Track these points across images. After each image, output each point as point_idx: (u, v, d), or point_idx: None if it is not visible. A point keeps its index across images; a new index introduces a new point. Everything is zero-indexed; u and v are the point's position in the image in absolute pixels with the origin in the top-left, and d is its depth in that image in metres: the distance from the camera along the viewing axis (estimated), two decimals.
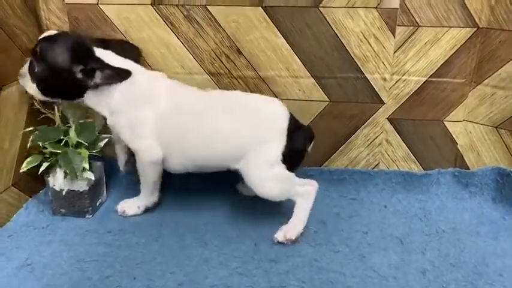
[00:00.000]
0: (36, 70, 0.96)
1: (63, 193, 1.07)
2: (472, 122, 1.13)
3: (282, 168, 0.98)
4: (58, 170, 1.02)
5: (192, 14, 1.09)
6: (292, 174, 1.00)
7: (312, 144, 1.03)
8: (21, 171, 1.02)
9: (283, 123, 0.98)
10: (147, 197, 1.09)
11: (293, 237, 1.00)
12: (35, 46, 0.96)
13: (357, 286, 0.88)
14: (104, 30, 1.12)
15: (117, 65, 0.97)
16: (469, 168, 1.16)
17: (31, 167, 1.02)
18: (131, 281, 0.89)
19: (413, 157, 1.18)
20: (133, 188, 1.18)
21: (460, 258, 0.96)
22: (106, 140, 1.08)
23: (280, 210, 1.07)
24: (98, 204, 1.12)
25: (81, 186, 1.06)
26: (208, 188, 1.19)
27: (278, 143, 0.97)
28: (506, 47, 1.03)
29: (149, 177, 1.06)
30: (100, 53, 0.98)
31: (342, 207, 1.14)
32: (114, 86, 0.98)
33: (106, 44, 1.01)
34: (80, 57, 0.95)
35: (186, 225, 1.08)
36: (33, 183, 1.11)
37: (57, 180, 1.04)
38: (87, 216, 1.09)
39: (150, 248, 0.99)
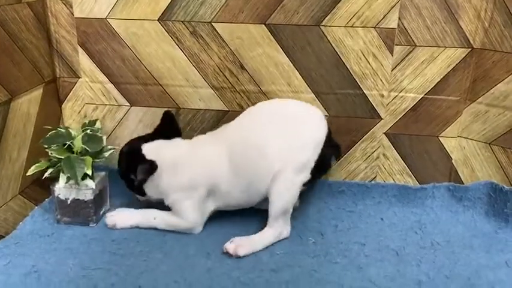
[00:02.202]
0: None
1: (68, 202, 1.09)
2: (466, 138, 1.17)
3: (306, 177, 1.03)
4: (61, 175, 1.04)
5: (198, 30, 1.13)
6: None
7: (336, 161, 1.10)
8: (28, 173, 1.04)
9: (323, 134, 1.05)
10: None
11: (241, 255, 1.02)
12: None
13: None
14: (111, 45, 1.16)
15: (153, 155, 1.05)
16: (463, 183, 1.20)
17: (38, 171, 1.04)
18: None
19: (409, 171, 1.22)
20: (136, 199, 1.22)
21: (454, 271, 0.99)
22: (112, 151, 1.12)
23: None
24: (101, 213, 1.15)
25: (86, 195, 1.08)
26: None
27: (313, 152, 1.03)
28: (499, 67, 1.07)
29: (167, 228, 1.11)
30: (146, 147, 1.08)
31: (340, 220, 1.17)
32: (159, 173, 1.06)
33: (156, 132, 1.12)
34: (131, 164, 1.07)
35: (189, 235, 1.10)
36: (39, 192, 1.14)
37: (60, 186, 1.06)
38: (91, 225, 1.11)
39: (153, 257, 1.01)
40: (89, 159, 1.05)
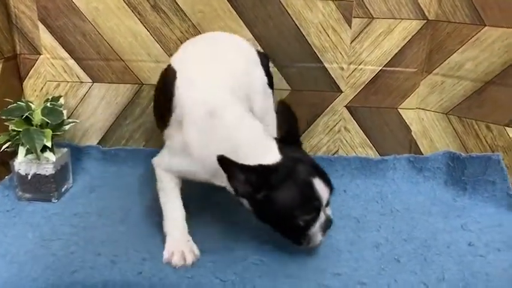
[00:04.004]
0: None
1: (29, 177, 1.08)
2: (424, 109, 1.20)
3: None
4: (20, 148, 1.03)
5: (159, 4, 1.13)
6: None
7: None
8: None
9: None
10: None
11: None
12: None
13: (314, 258, 0.93)
14: (72, 20, 1.15)
15: None
16: (422, 154, 1.23)
17: None
18: (95, 256, 0.91)
19: (370, 143, 1.24)
20: (99, 175, 1.21)
21: (411, 234, 1.01)
22: (72, 124, 1.11)
23: None
24: (63, 190, 1.14)
25: (47, 169, 1.07)
26: None
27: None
28: (453, 38, 1.10)
29: None
30: None
31: None
32: None
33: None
34: None
35: (152, 207, 1.10)
36: None
37: (19, 160, 1.05)
38: (53, 201, 1.10)
39: (116, 229, 1.01)
40: (48, 131, 1.04)
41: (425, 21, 1.12)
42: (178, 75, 0.92)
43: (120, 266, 0.88)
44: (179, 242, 0.92)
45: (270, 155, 0.85)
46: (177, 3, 1.13)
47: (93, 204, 1.11)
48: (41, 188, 1.09)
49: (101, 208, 1.09)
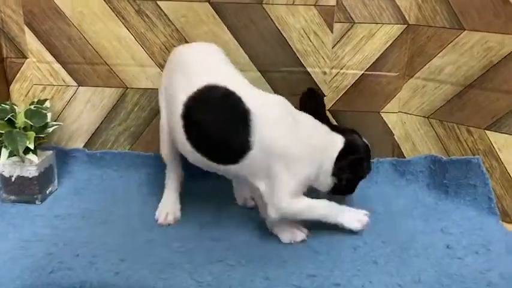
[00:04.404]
0: None
1: (13, 179, 1.09)
2: (406, 113, 1.21)
3: None
4: (3, 150, 1.04)
5: (143, 9, 1.15)
6: None
7: None
8: None
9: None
10: None
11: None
12: None
13: (291, 260, 0.93)
14: (57, 24, 1.17)
15: None
16: (405, 157, 1.23)
17: None
18: (73, 257, 0.91)
19: None
20: (85, 178, 1.22)
21: (391, 236, 1.01)
22: (56, 126, 1.12)
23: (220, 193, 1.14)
24: (48, 192, 1.15)
25: (30, 172, 1.08)
26: (160, 178, 1.24)
27: None
28: (433, 42, 1.11)
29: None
30: None
31: None
32: None
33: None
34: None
35: (135, 210, 1.11)
36: None
37: (3, 162, 1.06)
38: (36, 203, 1.11)
39: (96, 231, 1.02)
40: (31, 133, 1.05)
41: (405, 25, 1.13)
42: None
43: (98, 267, 0.89)
44: None
45: (337, 139, 0.98)
46: (160, 8, 1.14)
47: (76, 206, 1.11)
48: (24, 190, 1.10)
49: (83, 210, 1.10)
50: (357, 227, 1.00)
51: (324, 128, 0.98)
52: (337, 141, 0.97)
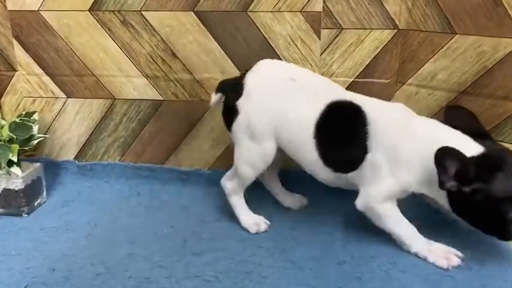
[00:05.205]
0: None
1: None
2: None
3: None
4: None
5: (128, 19, 1.14)
6: None
7: None
8: None
9: None
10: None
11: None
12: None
13: (272, 276, 0.90)
14: (45, 37, 1.17)
15: None
16: None
17: None
18: (50, 271, 0.90)
19: None
20: (75, 190, 1.22)
21: (379, 251, 0.97)
22: (41, 139, 1.12)
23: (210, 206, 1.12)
24: (36, 204, 1.15)
25: (16, 184, 1.08)
26: (149, 189, 1.23)
27: None
28: (425, 47, 1.07)
29: None
30: None
31: (276, 205, 1.16)
32: None
33: None
34: None
35: (121, 223, 1.10)
36: None
37: None
38: (23, 216, 1.11)
39: (78, 244, 1.01)
40: (15, 146, 1.05)
41: (396, 30, 1.09)
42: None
43: (73, 282, 0.88)
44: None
45: (471, 147, 0.86)
46: (145, 18, 1.14)
47: (62, 219, 1.11)
48: (11, 203, 1.10)
49: (69, 222, 1.09)
50: (443, 265, 0.91)
51: (451, 136, 0.89)
52: (471, 149, 0.85)
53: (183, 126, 1.22)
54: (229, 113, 1.02)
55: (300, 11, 1.10)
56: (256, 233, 1.04)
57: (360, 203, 0.98)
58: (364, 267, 0.92)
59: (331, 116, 0.96)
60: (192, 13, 1.12)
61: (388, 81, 1.13)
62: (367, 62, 1.12)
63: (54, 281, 0.88)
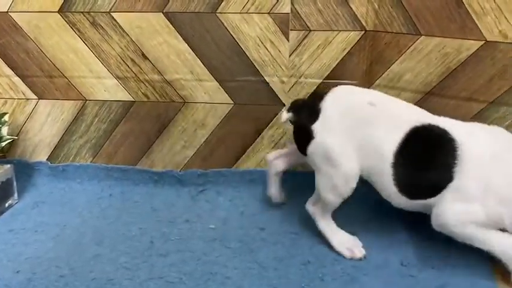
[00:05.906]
0: None
1: None
2: None
3: None
4: None
5: (97, 21, 1.14)
6: None
7: None
8: None
9: None
10: None
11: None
12: None
13: (236, 277, 0.90)
14: (15, 38, 1.17)
15: None
16: None
17: None
18: (14, 274, 0.91)
19: None
20: (47, 191, 1.22)
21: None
22: (10, 140, 1.12)
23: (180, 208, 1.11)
24: (6, 205, 1.15)
25: None
26: (121, 190, 1.23)
27: None
28: (391, 48, 1.07)
29: None
30: None
31: (248, 206, 1.16)
32: None
33: None
34: None
35: (90, 225, 1.10)
36: None
37: None
38: None
39: (45, 245, 1.01)
40: None
41: (363, 32, 1.09)
42: None
43: (35, 284, 0.88)
44: None
45: None
46: (115, 19, 1.13)
47: (32, 220, 1.11)
48: None
49: (39, 224, 1.09)
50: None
51: None
52: None
53: (155, 127, 1.22)
54: (303, 136, 0.98)
55: (268, 13, 1.10)
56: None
57: (436, 221, 0.91)
58: (328, 269, 0.92)
59: (413, 141, 0.91)
60: (161, 14, 1.12)
61: (356, 82, 1.13)
62: (335, 64, 1.12)
63: (17, 283, 0.88)
